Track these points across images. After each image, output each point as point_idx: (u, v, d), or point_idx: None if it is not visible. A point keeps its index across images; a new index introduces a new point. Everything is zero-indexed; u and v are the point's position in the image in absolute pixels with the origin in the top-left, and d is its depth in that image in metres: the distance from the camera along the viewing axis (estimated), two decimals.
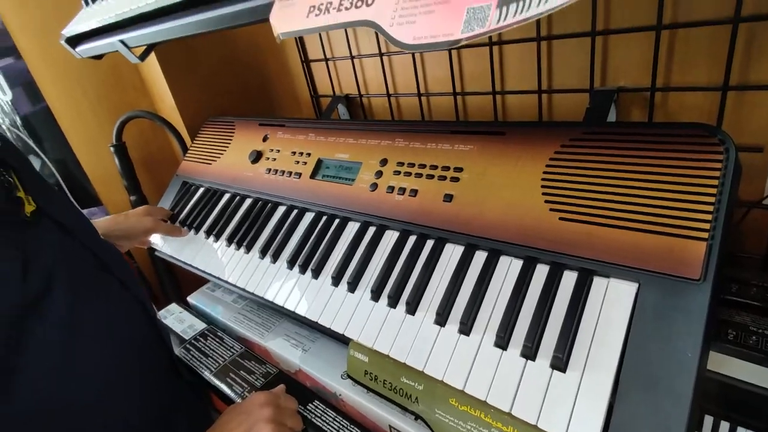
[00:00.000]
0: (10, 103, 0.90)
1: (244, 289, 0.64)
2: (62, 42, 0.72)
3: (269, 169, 0.74)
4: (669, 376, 0.33)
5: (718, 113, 0.54)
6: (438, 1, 0.26)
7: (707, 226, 0.36)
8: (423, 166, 0.56)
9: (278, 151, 0.75)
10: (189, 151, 0.91)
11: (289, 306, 0.58)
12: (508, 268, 0.45)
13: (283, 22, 0.36)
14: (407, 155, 0.59)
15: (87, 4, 0.70)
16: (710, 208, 0.37)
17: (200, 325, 0.70)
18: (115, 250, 0.54)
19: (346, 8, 0.31)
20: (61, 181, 0.92)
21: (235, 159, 0.81)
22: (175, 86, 0.92)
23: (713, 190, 0.37)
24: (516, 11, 0.23)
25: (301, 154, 0.72)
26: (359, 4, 0.30)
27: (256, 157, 0.77)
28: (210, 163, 0.85)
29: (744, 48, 0.51)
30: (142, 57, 0.63)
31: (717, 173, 0.37)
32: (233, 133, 0.86)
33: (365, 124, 0.69)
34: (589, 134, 0.46)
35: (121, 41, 0.60)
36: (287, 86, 1.03)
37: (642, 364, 0.35)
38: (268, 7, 0.38)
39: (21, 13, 0.86)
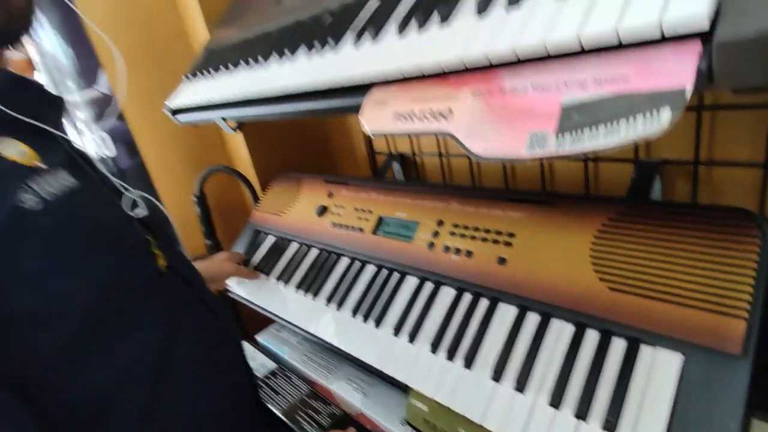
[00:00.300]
0: (113, 159, 1.06)
1: (311, 333, 0.71)
2: (165, 111, 0.85)
3: (334, 223, 0.83)
4: None
5: (761, 190, 0.57)
6: (504, 123, 0.33)
7: (746, 305, 0.40)
8: (477, 229, 0.62)
9: (342, 207, 0.84)
10: (260, 202, 1.02)
11: (353, 352, 0.64)
12: (560, 331, 0.50)
13: (372, 122, 0.44)
14: (462, 218, 0.65)
15: (188, 79, 0.83)
16: (749, 288, 0.40)
17: (270, 364, 0.78)
18: (214, 295, 0.63)
19: (427, 119, 0.39)
20: (177, 230, 1.04)
21: (303, 212, 0.91)
22: (250, 144, 1.05)
23: (752, 272, 0.41)
24: (570, 141, 0.29)
25: (363, 210, 0.80)
26: (439, 117, 0.38)
27: (322, 211, 0.86)
28: (279, 215, 0.95)
29: None
30: (238, 129, 0.75)
31: (755, 257, 0.41)
32: (300, 187, 0.96)
33: (422, 186, 0.77)
34: (633, 211, 0.51)
35: (222, 117, 0.71)
36: (346, 143, 1.13)
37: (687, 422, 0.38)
38: (358, 107, 0.46)
39: (130, 79, 1.01)
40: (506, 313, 0.54)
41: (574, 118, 0.29)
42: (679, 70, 0.25)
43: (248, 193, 1.08)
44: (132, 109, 1.02)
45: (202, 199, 1.07)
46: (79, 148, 0.49)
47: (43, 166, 0.39)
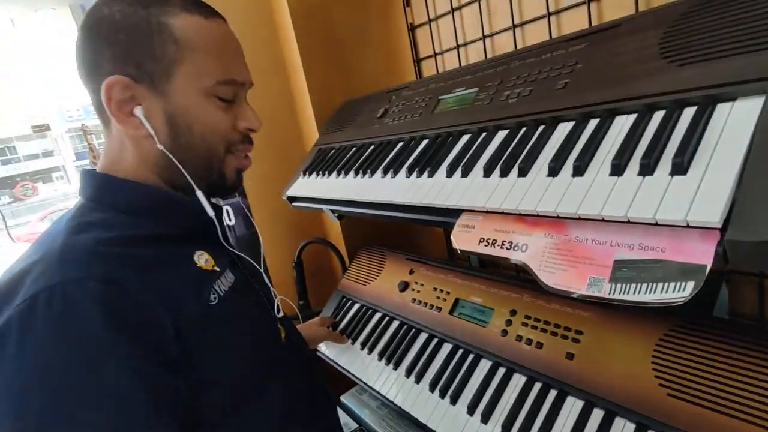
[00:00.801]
0: (233, 227, 1.28)
1: (392, 402, 0.81)
2: (284, 198, 1.04)
3: (414, 299, 0.94)
4: None
5: None
6: (571, 265, 0.44)
7: None
8: (548, 323, 0.70)
9: (422, 284, 0.95)
10: (348, 272, 1.17)
11: (432, 425, 0.72)
12: (622, 428, 0.55)
13: (461, 242, 0.56)
14: (534, 310, 0.73)
15: (304, 175, 1.02)
16: None
17: (352, 425, 0.88)
18: (317, 357, 0.76)
19: (507, 249, 0.50)
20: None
21: (386, 285, 1.03)
22: (343, 222, 1.22)
23: None
24: (619, 290, 0.39)
25: (441, 291, 0.90)
26: (516, 249, 0.49)
27: (404, 287, 0.98)
28: (365, 285, 1.09)
29: None
30: (339, 218, 0.91)
31: None
32: (385, 262, 1.09)
33: (497, 275, 0.86)
34: (694, 324, 0.57)
35: (330, 210, 0.88)
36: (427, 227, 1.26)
37: None
38: (444, 223, 0.59)
39: (252, 166, 1.24)
40: (573, 406, 0.61)
41: (623, 271, 0.39)
42: (702, 251, 0.35)
43: (338, 262, 1.24)
44: (251, 188, 1.24)
45: (299, 265, 1.25)
46: (236, 251, 0.65)
47: (217, 269, 0.55)
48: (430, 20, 1.03)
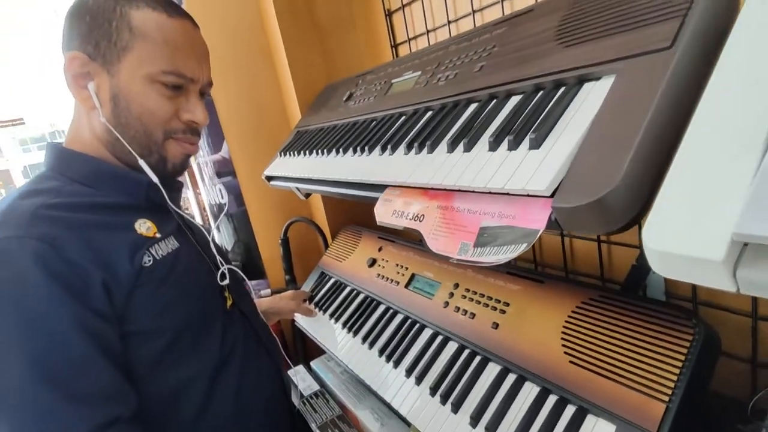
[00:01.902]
0: (225, 205, 1.36)
1: (347, 366, 0.87)
2: (262, 177, 1.11)
3: (379, 274, 0.99)
4: None
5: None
6: (450, 232, 0.48)
7: (669, 391, 0.47)
8: (482, 295, 0.74)
9: (387, 261, 1.00)
10: (329, 249, 1.23)
11: (374, 386, 0.78)
12: (529, 392, 0.59)
13: (380, 214, 0.61)
14: (474, 284, 0.77)
15: (281, 155, 1.09)
16: (674, 377, 0.47)
17: (315, 386, 0.95)
18: (267, 326, 0.82)
19: (410, 219, 0.54)
20: (241, 263, 1.31)
21: (357, 261, 1.09)
22: (326, 201, 1.28)
23: (679, 363, 0.48)
24: (477, 254, 0.43)
25: (402, 267, 0.95)
26: (416, 219, 0.53)
27: (372, 263, 1.04)
28: (341, 261, 1.15)
29: None
30: (306, 197, 0.97)
31: (685, 351, 0.48)
32: (360, 240, 1.15)
33: None
34: (602, 298, 0.59)
35: (297, 188, 0.94)
36: None
37: None
38: (377, 199, 0.63)
39: (242, 148, 1.32)
40: (492, 371, 0.65)
41: (485, 237, 0.43)
42: (538, 218, 0.38)
43: (321, 240, 1.30)
44: (242, 169, 1.32)
45: (285, 242, 1.32)
46: (189, 220, 0.72)
47: (159, 235, 0.62)
48: (403, 5, 1.06)
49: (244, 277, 0.78)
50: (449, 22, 0.94)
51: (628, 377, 0.51)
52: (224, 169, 1.37)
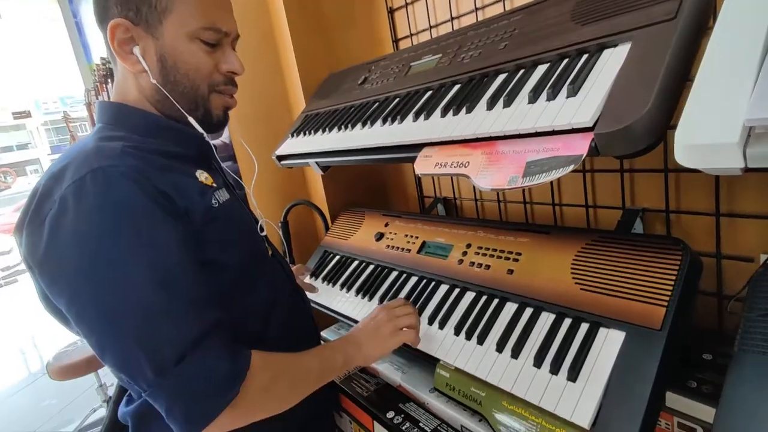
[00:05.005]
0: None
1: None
2: (273, 158, 1.17)
3: (388, 245, 1.07)
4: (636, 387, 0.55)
5: (716, 232, 0.76)
6: (497, 170, 0.58)
7: (666, 299, 0.59)
8: (495, 250, 0.85)
9: (395, 234, 1.09)
10: (330, 230, 1.30)
11: None
12: (546, 319, 0.70)
13: (420, 167, 0.70)
14: (485, 242, 0.88)
15: (292, 136, 1.15)
16: (670, 287, 0.60)
17: None
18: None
19: (455, 166, 0.64)
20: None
21: (364, 237, 1.17)
22: (326, 185, 1.35)
23: (673, 277, 0.60)
24: (527, 181, 0.53)
25: (411, 236, 1.04)
26: (461, 166, 0.63)
27: (380, 236, 1.12)
28: (345, 239, 1.22)
29: (728, 187, 0.74)
30: (324, 171, 1.04)
31: (676, 267, 0.61)
32: (363, 219, 1.23)
33: (458, 219, 1.00)
34: (603, 238, 0.72)
35: (316, 162, 1.01)
36: (401, 187, 1.40)
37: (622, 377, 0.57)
38: (414, 158, 0.73)
39: (243, 134, 1.36)
40: (511, 308, 0.75)
41: (532, 168, 0.53)
42: (581, 145, 0.49)
43: (321, 222, 1.36)
44: (242, 153, 1.36)
45: (285, 225, 1.37)
46: (231, 176, 0.78)
47: (215, 185, 0.68)
48: (407, 4, 1.17)
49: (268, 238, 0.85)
50: (452, 18, 1.07)
51: (632, 292, 0.63)
52: (223, 153, 1.40)
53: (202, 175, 0.67)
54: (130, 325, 0.51)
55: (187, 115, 0.67)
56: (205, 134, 0.70)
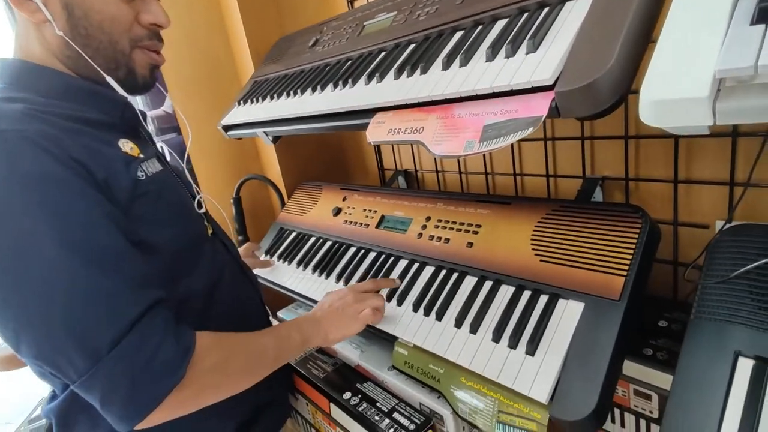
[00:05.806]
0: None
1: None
2: (219, 128, 1.08)
3: (346, 221, 1.02)
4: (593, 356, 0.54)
5: (674, 199, 0.75)
6: (453, 135, 0.53)
7: (625, 268, 0.57)
8: (455, 222, 0.81)
9: (353, 208, 1.04)
10: (286, 206, 1.23)
11: None
12: (506, 292, 0.68)
13: (373, 135, 0.65)
14: (445, 214, 0.84)
15: (239, 104, 1.06)
16: (629, 257, 0.58)
17: None
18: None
19: (409, 133, 0.59)
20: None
21: (321, 213, 1.11)
22: (281, 158, 1.27)
23: (632, 246, 0.59)
24: (484, 146, 0.49)
25: (370, 211, 0.99)
26: (415, 132, 0.58)
27: (337, 211, 1.06)
28: (301, 215, 1.15)
29: (686, 154, 0.73)
30: (274, 141, 0.96)
31: (635, 236, 0.59)
32: (320, 194, 1.17)
33: (418, 192, 0.96)
34: (562, 208, 0.69)
35: (264, 132, 0.93)
36: (360, 160, 1.34)
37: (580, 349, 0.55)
38: (367, 124, 0.67)
39: (186, 104, 1.25)
40: (470, 282, 0.73)
41: (489, 132, 0.49)
42: (541, 106, 0.45)
43: (276, 197, 1.29)
44: (188, 124, 1.26)
45: (238, 202, 1.29)
46: (160, 150, 0.70)
47: (142, 156, 0.60)
48: None
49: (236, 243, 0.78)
50: None
51: (591, 263, 0.61)
52: (166, 125, 1.29)
53: (126, 145, 0.59)
54: (55, 309, 0.44)
55: (105, 75, 0.58)
56: (128, 97, 0.62)
